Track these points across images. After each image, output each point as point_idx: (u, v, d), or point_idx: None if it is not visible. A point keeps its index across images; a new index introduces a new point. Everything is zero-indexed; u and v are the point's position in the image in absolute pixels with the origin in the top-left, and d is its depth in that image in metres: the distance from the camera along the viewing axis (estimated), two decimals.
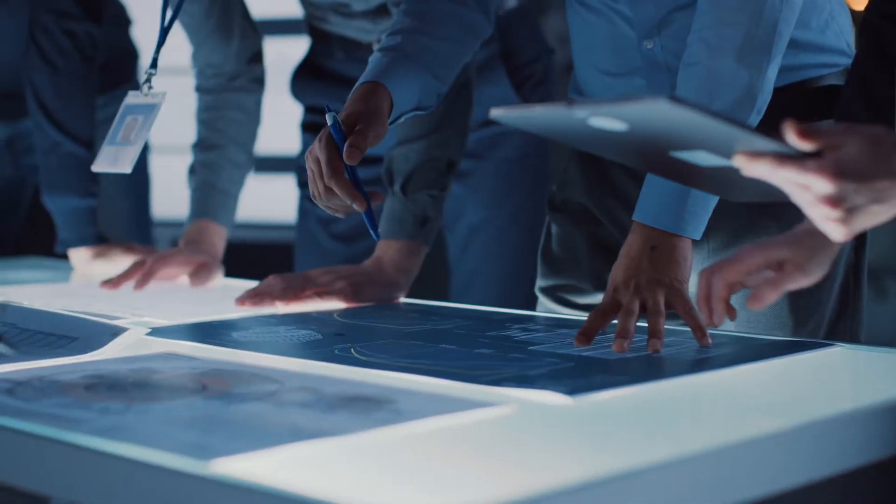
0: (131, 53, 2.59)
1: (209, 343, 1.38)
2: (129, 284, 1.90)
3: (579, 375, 1.21)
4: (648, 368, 1.26)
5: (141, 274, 1.92)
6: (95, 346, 1.32)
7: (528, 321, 1.54)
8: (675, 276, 1.40)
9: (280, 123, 3.17)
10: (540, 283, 1.72)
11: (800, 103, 1.55)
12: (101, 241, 2.16)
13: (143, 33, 3.69)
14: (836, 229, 1.12)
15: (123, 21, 2.58)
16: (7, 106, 2.41)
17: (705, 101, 1.41)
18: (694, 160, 1.15)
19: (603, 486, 0.89)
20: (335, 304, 1.68)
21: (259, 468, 0.89)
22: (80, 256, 2.14)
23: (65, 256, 2.17)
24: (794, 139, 1.08)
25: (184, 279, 1.99)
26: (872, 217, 1.11)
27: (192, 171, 2.14)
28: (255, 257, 3.06)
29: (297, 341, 1.39)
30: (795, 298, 1.54)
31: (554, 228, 1.72)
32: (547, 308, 1.70)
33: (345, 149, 1.47)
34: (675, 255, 1.41)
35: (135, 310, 1.63)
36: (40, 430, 0.98)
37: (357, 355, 1.30)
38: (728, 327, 1.45)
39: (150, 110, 1.92)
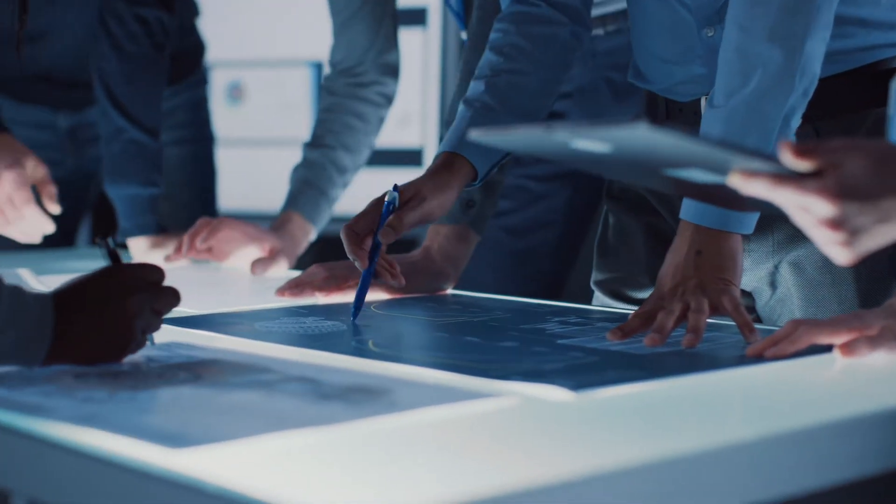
0: (198, 45, 2.60)
1: (225, 333, 1.36)
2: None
3: (597, 370, 1.17)
4: (675, 364, 1.21)
5: (206, 231, 1.97)
6: None
7: (571, 314, 1.50)
8: (722, 277, 1.35)
9: (398, 116, 3.18)
10: (595, 275, 1.67)
11: (872, 87, 1.48)
12: (163, 231, 2.16)
13: (209, 26, 3.73)
14: (840, 253, 1.06)
15: (191, 12, 2.58)
16: (70, 95, 2.43)
17: (738, 85, 1.35)
18: (690, 177, 1.10)
19: (583, 485, 0.85)
20: (378, 295, 1.65)
21: (229, 458, 0.86)
22: (139, 246, 2.15)
23: (126, 246, 2.18)
24: (789, 159, 1.02)
25: (244, 266, 1.98)
26: (879, 238, 1.05)
27: (296, 167, 2.14)
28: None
29: (319, 332, 1.36)
30: (865, 301, 1.47)
31: (611, 218, 1.67)
32: (602, 302, 1.66)
33: (381, 228, 1.50)
34: (722, 259, 1.36)
35: None
36: (6, 419, 0.96)
37: (373, 347, 1.27)
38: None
39: None
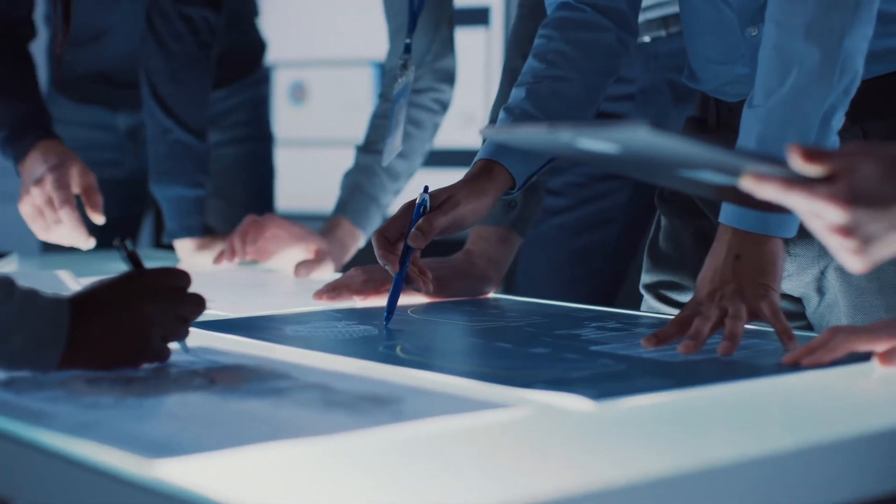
0: (257, 44, 2.59)
1: (254, 337, 1.34)
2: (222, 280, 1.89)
3: (623, 379, 1.14)
4: (707, 372, 1.18)
5: (253, 231, 1.97)
6: None
7: (611, 319, 1.47)
8: (761, 282, 1.31)
9: (461, 116, 3.16)
10: (643, 278, 1.64)
11: None
12: (209, 232, 2.15)
13: (272, 26, 3.72)
14: (852, 261, 1.02)
15: (249, 12, 2.58)
16: (129, 95, 2.42)
17: (776, 83, 1.31)
18: (703, 178, 1.07)
19: (594, 499, 0.82)
20: (417, 299, 1.63)
21: (214, 469, 0.84)
22: (185, 247, 2.14)
23: (172, 247, 2.18)
24: (799, 163, 0.99)
25: (288, 267, 1.97)
26: (893, 246, 1.01)
27: (348, 172, 2.12)
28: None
29: (348, 337, 1.34)
30: None
31: (663, 221, 1.64)
32: (650, 306, 1.62)
33: (411, 231, 1.47)
34: (761, 263, 1.32)
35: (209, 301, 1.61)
36: (8, 426, 0.95)
37: (401, 354, 1.25)
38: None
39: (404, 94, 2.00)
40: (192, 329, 1.36)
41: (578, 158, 1.12)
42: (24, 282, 1.66)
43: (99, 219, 2.04)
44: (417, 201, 1.48)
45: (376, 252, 1.47)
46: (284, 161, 2.96)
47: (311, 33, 4.00)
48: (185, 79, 2.18)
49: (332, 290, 1.62)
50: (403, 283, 1.48)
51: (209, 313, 1.50)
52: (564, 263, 2.11)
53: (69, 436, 0.91)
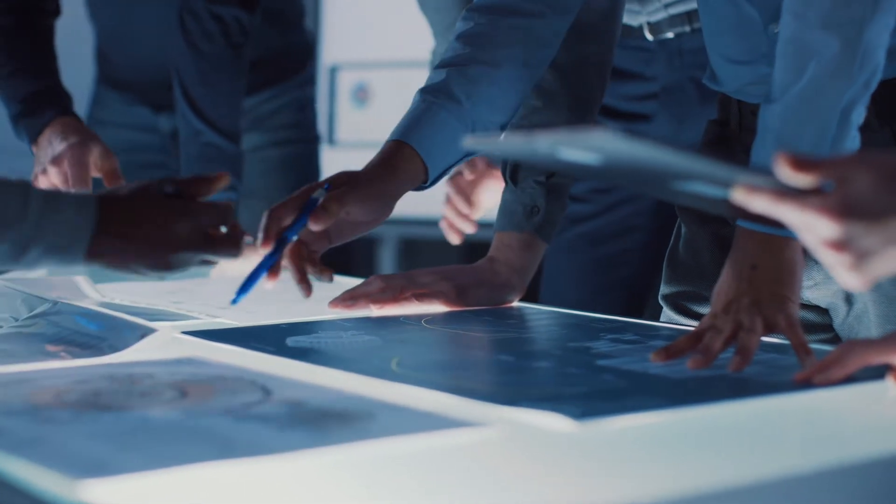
0: (303, 46, 2.56)
1: (252, 348, 1.30)
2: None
3: (617, 397, 1.08)
4: (711, 390, 1.12)
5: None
6: (121, 347, 1.27)
7: (629, 330, 1.41)
8: (779, 293, 1.24)
9: None
10: (662, 289, 1.58)
11: None
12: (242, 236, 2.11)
13: (335, 27, 3.70)
14: (848, 277, 0.95)
15: (295, 12, 2.54)
16: (171, 97, 2.40)
17: (794, 77, 1.25)
18: (697, 191, 1.00)
19: None
20: (436, 308, 1.58)
21: (137, 490, 0.80)
22: None
23: None
24: (787, 172, 0.92)
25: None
26: (892, 262, 0.94)
27: None
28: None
29: (349, 349, 1.30)
30: None
31: (683, 228, 1.57)
32: (669, 318, 1.56)
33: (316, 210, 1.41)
34: (778, 272, 1.25)
35: (220, 308, 1.57)
36: None
37: (395, 368, 1.20)
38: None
39: None
40: (190, 339, 1.34)
41: (564, 170, 1.06)
42: (40, 287, 1.64)
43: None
44: (315, 195, 1.42)
45: (262, 226, 1.42)
46: (347, 163, 2.93)
47: (374, 34, 3.97)
48: (217, 80, 2.15)
49: (349, 298, 1.58)
50: (272, 262, 1.42)
51: (214, 322, 1.47)
52: (589, 272, 2.06)
53: (6, 453, 0.87)
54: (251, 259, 2.03)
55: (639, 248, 2.02)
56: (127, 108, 2.47)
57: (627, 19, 1.96)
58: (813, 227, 0.94)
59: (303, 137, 2.53)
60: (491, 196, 2.00)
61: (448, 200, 1.88)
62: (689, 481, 0.84)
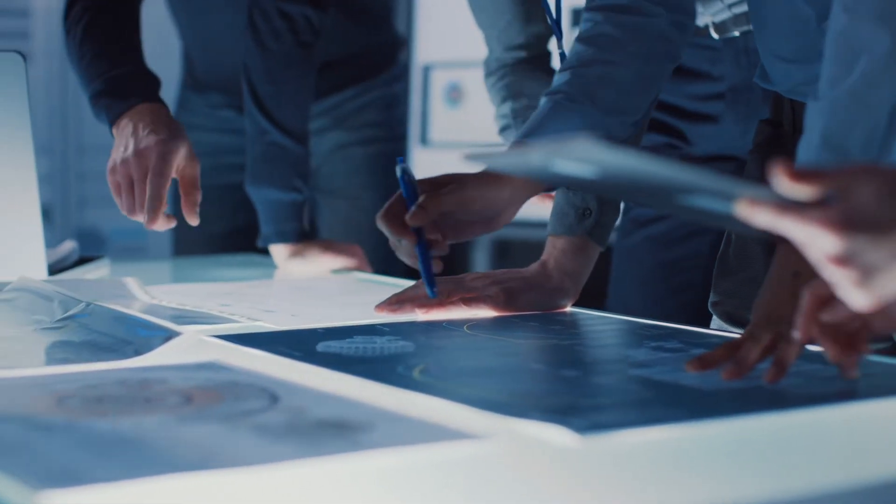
0: (392, 42, 2.53)
1: (280, 353, 1.28)
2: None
3: (639, 409, 1.04)
4: (739, 402, 1.07)
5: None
6: (144, 351, 1.26)
7: (675, 338, 1.36)
8: None
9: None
10: (712, 296, 1.52)
11: None
12: (305, 238, 2.10)
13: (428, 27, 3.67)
14: (854, 294, 0.90)
15: (382, 8, 2.52)
16: None
17: (843, 73, 1.19)
18: (702, 206, 0.96)
19: None
20: (484, 312, 1.55)
21: (99, 501, 0.78)
22: (279, 253, 2.10)
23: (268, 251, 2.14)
24: (785, 184, 0.87)
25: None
26: None
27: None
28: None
29: (378, 355, 1.27)
30: None
31: (733, 234, 1.52)
32: (719, 326, 1.51)
33: (412, 209, 1.44)
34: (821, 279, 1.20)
35: (266, 311, 1.56)
36: None
37: (416, 375, 1.17)
38: None
39: None
40: (219, 343, 1.32)
41: (564, 184, 1.02)
42: (88, 288, 1.64)
43: (194, 220, 1.83)
44: (398, 174, 1.45)
45: (388, 234, 1.46)
46: (439, 163, 2.91)
47: (468, 34, 3.93)
48: (284, 79, 2.13)
49: (395, 302, 1.55)
50: (428, 250, 1.46)
51: (253, 325, 1.45)
52: (655, 277, 2.00)
53: None
54: (317, 261, 2.03)
55: (707, 252, 1.96)
56: (212, 111, 2.48)
57: None
58: (815, 242, 0.89)
59: (389, 136, 2.50)
60: None
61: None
62: (694, 499, 0.80)
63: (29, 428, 0.95)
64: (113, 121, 1.90)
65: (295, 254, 2.07)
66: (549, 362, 1.24)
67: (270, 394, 1.07)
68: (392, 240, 1.47)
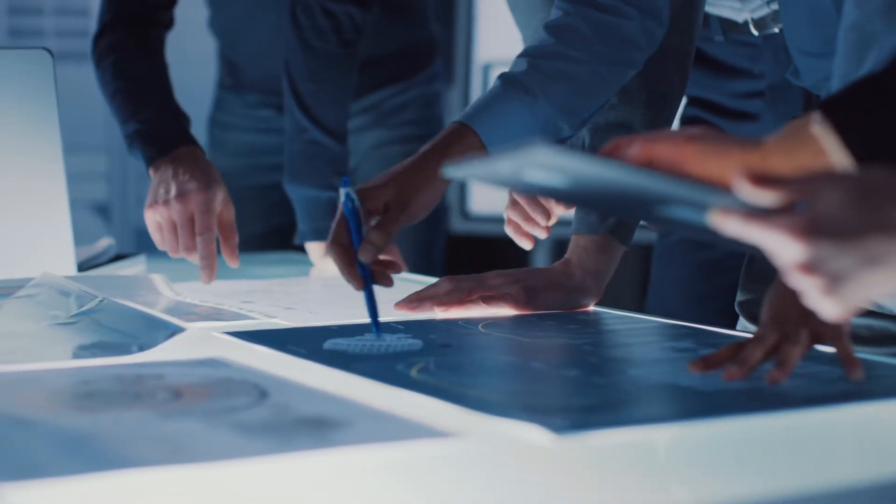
0: (430, 41, 2.54)
1: (282, 350, 1.28)
2: None
3: (626, 409, 1.04)
4: (734, 402, 1.06)
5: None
6: (149, 347, 1.27)
7: (692, 338, 1.36)
8: None
9: None
10: (738, 295, 1.51)
11: None
12: None
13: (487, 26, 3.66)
14: (823, 303, 0.89)
15: (421, 6, 2.53)
16: None
17: (852, 68, 1.17)
18: (679, 216, 0.95)
19: None
20: (504, 311, 1.54)
21: (59, 495, 0.79)
22: (314, 250, 2.11)
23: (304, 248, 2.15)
24: (748, 190, 0.86)
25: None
26: (870, 285, 0.87)
27: None
28: None
29: (382, 352, 1.27)
30: None
31: None
32: (744, 326, 1.49)
33: (360, 245, 1.39)
34: None
35: (285, 309, 1.57)
36: None
37: (414, 374, 1.17)
38: None
39: None
40: (226, 339, 1.33)
41: (538, 194, 1.01)
42: (114, 285, 1.66)
43: (235, 263, 1.86)
44: (342, 199, 1.39)
45: (339, 268, 1.40)
46: None
47: None
48: (326, 77, 2.15)
49: (415, 300, 1.55)
50: (373, 293, 1.40)
51: (267, 323, 1.46)
52: (693, 278, 1.98)
53: None
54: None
55: (742, 255, 1.94)
56: (250, 110, 2.49)
57: (730, 14, 1.89)
58: (781, 249, 0.88)
59: (427, 134, 2.49)
60: None
61: (513, 204, 1.82)
62: (666, 500, 0.80)
63: (8, 422, 0.96)
64: (150, 164, 1.92)
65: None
66: (551, 362, 1.24)
67: (260, 390, 1.08)
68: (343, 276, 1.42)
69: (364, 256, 1.39)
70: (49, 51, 1.71)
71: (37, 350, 1.28)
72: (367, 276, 1.40)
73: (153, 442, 0.91)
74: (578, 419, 0.98)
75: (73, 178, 4.01)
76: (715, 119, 1.97)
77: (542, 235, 1.71)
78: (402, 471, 0.87)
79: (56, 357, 1.25)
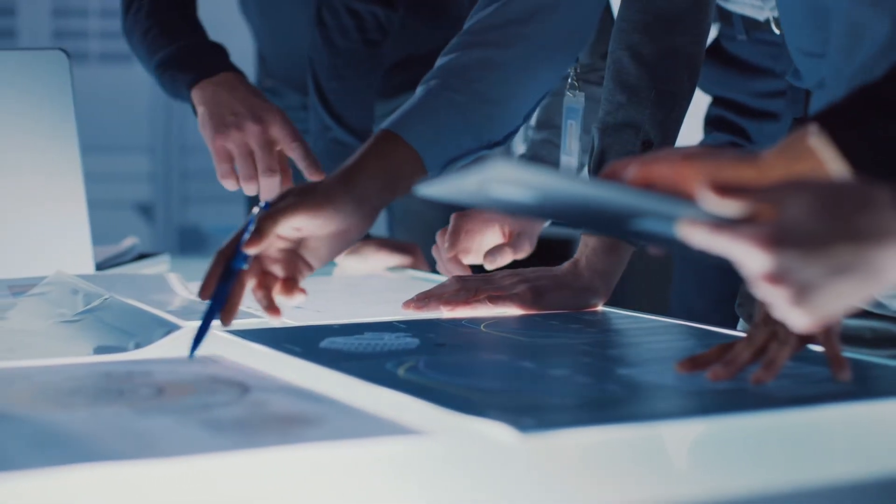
0: None
1: (278, 348, 1.30)
2: None
3: (593, 408, 1.04)
4: (713, 402, 1.07)
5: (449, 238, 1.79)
6: (145, 344, 1.29)
7: (692, 338, 1.35)
8: None
9: None
10: (739, 298, 1.51)
11: None
12: (364, 237, 2.11)
13: None
14: (792, 314, 0.89)
15: (456, 8, 2.53)
16: None
17: (843, 58, 1.17)
18: (652, 229, 0.95)
19: None
20: (510, 311, 1.55)
21: (19, 487, 0.81)
22: None
23: None
24: (711, 199, 0.86)
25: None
26: (839, 296, 0.87)
27: (523, 155, 2.06)
28: None
29: (376, 351, 1.29)
30: None
31: None
32: (743, 328, 1.49)
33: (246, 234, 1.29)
34: None
35: (296, 308, 1.58)
36: None
37: (401, 373, 1.18)
38: None
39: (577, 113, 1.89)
40: (225, 336, 1.35)
41: (510, 210, 1.02)
42: (128, 284, 1.69)
43: (317, 175, 1.81)
44: (252, 216, 1.32)
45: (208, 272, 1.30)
46: None
47: None
48: (349, 76, 2.16)
49: (421, 299, 1.57)
50: (221, 302, 1.29)
51: (287, 321, 1.48)
52: (713, 280, 1.98)
53: None
54: (373, 258, 2.05)
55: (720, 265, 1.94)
56: (288, 112, 2.51)
57: (752, 13, 1.89)
58: (747, 260, 0.89)
59: None
60: (491, 240, 1.84)
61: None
62: (629, 499, 0.81)
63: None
64: (191, 85, 1.87)
65: (351, 251, 2.09)
66: (542, 361, 1.24)
67: (243, 388, 1.10)
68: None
69: (247, 246, 1.29)
70: (65, 51, 1.74)
71: (37, 347, 1.31)
72: (223, 290, 1.29)
73: (123, 437, 0.93)
74: (547, 418, 0.99)
75: (117, 179, 4.08)
76: (737, 119, 1.97)
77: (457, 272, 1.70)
78: (365, 467, 0.88)
79: (54, 354, 1.27)
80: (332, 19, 2.17)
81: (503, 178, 0.90)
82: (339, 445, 0.92)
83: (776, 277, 0.88)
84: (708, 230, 0.90)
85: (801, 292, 0.88)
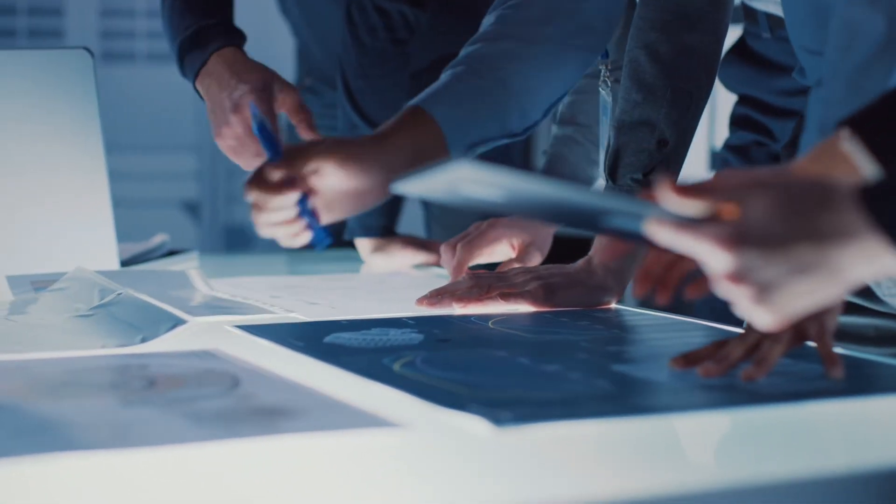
0: None
1: (281, 343, 1.32)
2: None
3: (574, 403, 1.05)
4: (699, 398, 1.07)
5: (455, 264, 1.75)
6: (151, 338, 1.31)
7: (699, 333, 1.36)
8: None
9: None
10: None
11: None
12: (389, 234, 2.14)
13: None
14: (755, 313, 0.89)
15: (484, 12, 2.54)
16: None
17: (839, 57, 1.17)
18: (625, 227, 0.96)
19: None
20: (523, 308, 1.56)
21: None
22: (363, 247, 2.14)
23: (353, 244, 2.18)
24: (672, 199, 0.87)
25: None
26: (799, 295, 0.88)
27: (545, 150, 2.07)
28: None
29: (377, 346, 1.30)
30: None
31: None
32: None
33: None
34: None
35: (308, 304, 1.60)
36: None
37: (396, 368, 1.20)
38: None
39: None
40: (232, 331, 1.37)
41: (481, 208, 1.02)
42: (149, 279, 1.71)
43: (311, 134, 1.82)
44: (254, 129, 1.49)
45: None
46: None
47: None
48: (376, 75, 2.18)
49: (434, 295, 1.58)
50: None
51: (281, 317, 1.50)
52: None
53: None
54: (399, 256, 2.06)
55: None
56: (328, 110, 2.53)
57: (775, 10, 1.88)
58: (709, 259, 0.89)
59: None
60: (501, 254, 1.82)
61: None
62: (601, 493, 0.82)
63: None
64: (196, 73, 1.86)
65: (378, 248, 2.11)
66: (539, 357, 1.25)
67: (234, 381, 1.11)
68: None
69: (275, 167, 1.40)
70: (89, 50, 1.77)
71: (46, 340, 1.33)
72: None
73: (104, 427, 0.95)
74: (526, 412, 1.00)
75: (164, 177, 4.12)
76: (762, 117, 1.97)
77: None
78: (341, 458, 0.90)
79: (62, 347, 1.29)
80: (361, 17, 2.19)
81: (469, 178, 0.92)
82: (314, 436, 0.93)
83: (738, 276, 0.89)
84: (672, 229, 0.91)
85: (763, 291, 0.89)
